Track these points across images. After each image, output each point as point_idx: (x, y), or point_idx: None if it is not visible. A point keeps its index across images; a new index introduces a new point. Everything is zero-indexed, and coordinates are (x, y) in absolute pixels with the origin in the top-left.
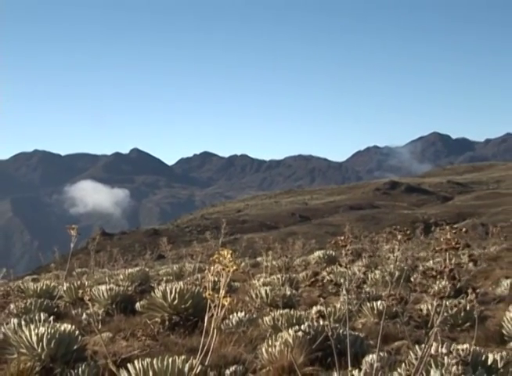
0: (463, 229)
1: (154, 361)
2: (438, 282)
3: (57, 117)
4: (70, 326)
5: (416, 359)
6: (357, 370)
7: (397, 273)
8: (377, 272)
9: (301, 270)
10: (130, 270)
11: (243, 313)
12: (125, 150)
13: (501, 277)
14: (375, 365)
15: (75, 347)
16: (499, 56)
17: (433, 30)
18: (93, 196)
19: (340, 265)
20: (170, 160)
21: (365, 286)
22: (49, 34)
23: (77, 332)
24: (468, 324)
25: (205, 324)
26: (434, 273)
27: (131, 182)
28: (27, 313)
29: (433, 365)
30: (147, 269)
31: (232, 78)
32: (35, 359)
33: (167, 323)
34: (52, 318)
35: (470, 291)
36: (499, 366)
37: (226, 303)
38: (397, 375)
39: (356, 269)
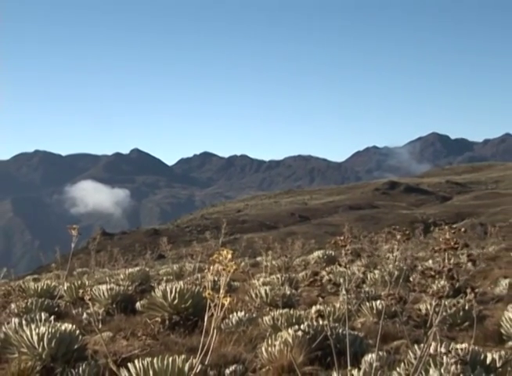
0: (462, 229)
1: (154, 360)
2: (436, 282)
3: (58, 118)
4: (70, 325)
5: (415, 358)
6: (356, 370)
7: (396, 273)
8: (376, 271)
9: (301, 270)
10: (130, 270)
11: (242, 313)
12: (126, 151)
13: (500, 277)
14: (374, 364)
15: (76, 346)
16: (498, 56)
17: (432, 31)
18: (94, 196)
19: (340, 265)
20: (170, 160)
21: (364, 285)
22: (50, 35)
23: (77, 332)
24: (467, 324)
25: (205, 324)
26: (432, 273)
27: (132, 182)
28: (27, 313)
29: (432, 364)
30: (147, 269)
31: (231, 79)
32: (36, 358)
33: (167, 322)
34: (52, 317)
35: (468, 290)
36: (498, 365)
37: (226, 303)
38: (396, 374)
39: (355, 269)
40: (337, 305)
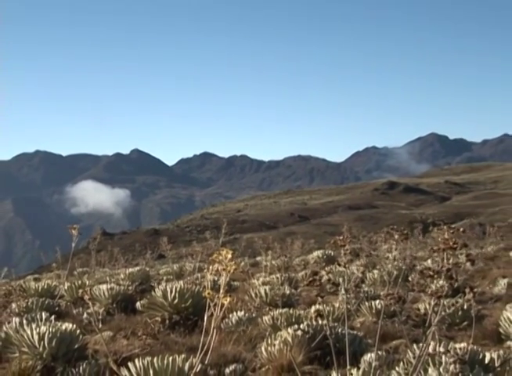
0: (461, 229)
1: (155, 360)
2: (435, 281)
3: (58, 118)
4: (71, 325)
5: (414, 357)
6: (355, 369)
7: (395, 273)
8: (375, 271)
9: (300, 270)
10: (130, 270)
11: (242, 312)
12: (126, 151)
13: (498, 277)
14: (373, 364)
15: (76, 346)
16: (496, 57)
17: (431, 31)
18: (94, 196)
19: (339, 265)
20: (170, 160)
21: (363, 285)
22: (51, 35)
23: (78, 331)
24: (465, 323)
25: (205, 323)
26: (431, 273)
27: (132, 182)
28: (28, 312)
29: (431, 364)
30: (147, 269)
31: (231, 79)
32: (37, 357)
33: (167, 322)
34: (53, 317)
35: (467, 290)
36: (496, 364)
37: (226, 302)
38: (395, 374)
39: (355, 269)
40: (337, 305)
